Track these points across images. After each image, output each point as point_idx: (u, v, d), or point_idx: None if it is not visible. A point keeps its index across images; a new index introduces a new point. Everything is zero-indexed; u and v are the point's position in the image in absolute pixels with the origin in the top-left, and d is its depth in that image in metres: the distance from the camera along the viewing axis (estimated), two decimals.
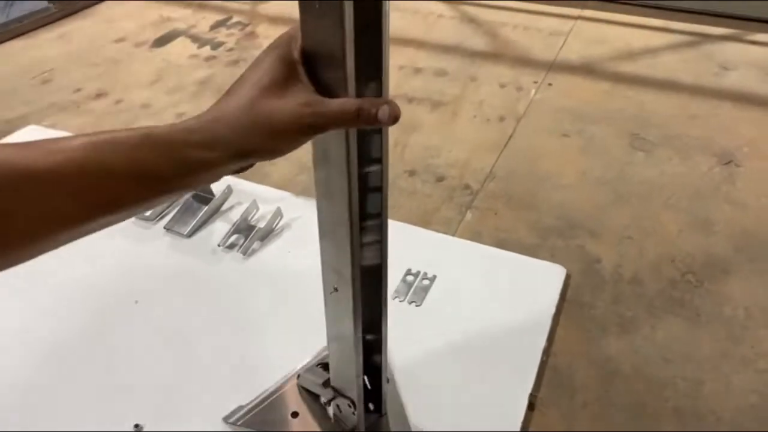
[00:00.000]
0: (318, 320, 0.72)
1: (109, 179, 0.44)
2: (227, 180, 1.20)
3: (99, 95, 1.61)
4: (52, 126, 1.45)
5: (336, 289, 0.66)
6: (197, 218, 1.13)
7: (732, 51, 1.83)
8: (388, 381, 0.79)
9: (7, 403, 0.83)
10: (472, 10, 2.12)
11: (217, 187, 1.18)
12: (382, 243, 0.66)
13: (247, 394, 0.83)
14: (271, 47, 0.51)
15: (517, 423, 0.81)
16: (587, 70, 1.74)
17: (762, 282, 1.05)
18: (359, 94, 0.50)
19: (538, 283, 1.03)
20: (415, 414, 0.81)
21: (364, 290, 0.67)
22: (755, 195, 1.26)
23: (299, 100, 0.47)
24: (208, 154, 0.46)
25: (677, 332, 0.96)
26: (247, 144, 0.47)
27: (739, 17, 1.99)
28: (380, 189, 0.62)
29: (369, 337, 0.73)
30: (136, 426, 0.80)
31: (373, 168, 0.61)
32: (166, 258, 1.08)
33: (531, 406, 0.85)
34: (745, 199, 1.25)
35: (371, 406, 0.79)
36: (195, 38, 1.92)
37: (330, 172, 0.57)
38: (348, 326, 0.68)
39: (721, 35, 1.92)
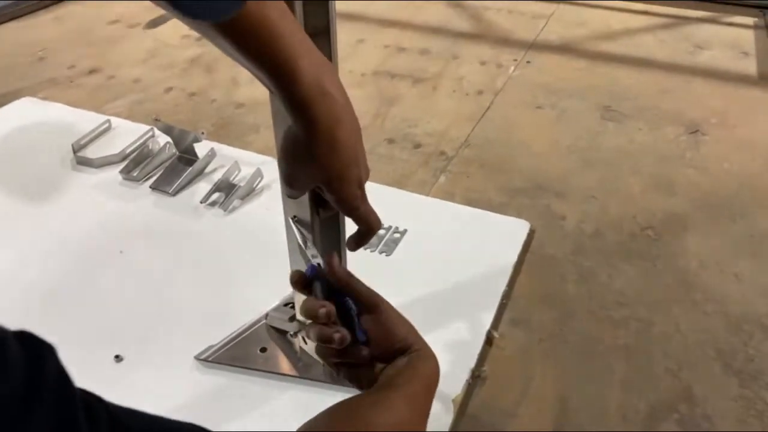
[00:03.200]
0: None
1: None
2: (211, 143, 1.26)
3: (92, 71, 1.66)
4: (45, 98, 1.51)
5: (295, 218, 0.71)
6: (182, 178, 1.19)
7: (708, 32, 1.89)
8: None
9: None
10: None
11: (202, 150, 1.23)
12: None
13: (219, 334, 0.88)
14: None
15: (474, 356, 0.86)
16: (566, 49, 1.79)
17: (718, 237, 1.10)
18: None
19: (502, 236, 1.08)
20: None
21: (324, 226, 0.72)
22: (717, 160, 1.31)
23: None
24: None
25: (633, 279, 1.02)
26: None
27: (717, 1, 2.04)
28: None
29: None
30: (117, 356, 0.86)
31: None
32: (150, 214, 1.13)
33: (489, 342, 0.90)
34: (707, 164, 1.30)
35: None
36: None
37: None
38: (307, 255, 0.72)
39: (699, 17, 1.98)
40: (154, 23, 1.95)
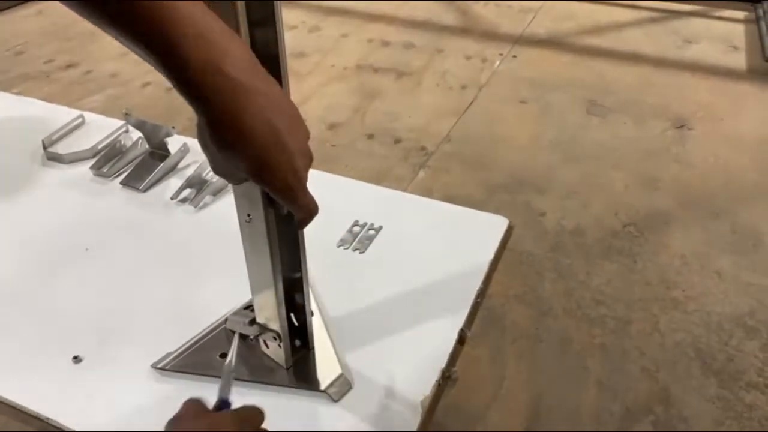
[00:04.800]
0: None
1: None
2: (184, 138, 1.23)
3: (69, 66, 1.63)
4: (20, 93, 1.48)
5: (249, 217, 0.68)
6: (153, 174, 1.16)
7: (697, 26, 1.86)
8: (312, 314, 0.81)
9: None
10: None
11: (174, 146, 1.20)
12: None
13: (182, 336, 0.85)
14: None
15: (445, 356, 0.84)
16: (553, 43, 1.76)
17: (701, 233, 1.08)
18: None
19: (479, 233, 1.05)
20: (343, 348, 0.84)
21: (281, 224, 0.69)
22: (703, 155, 1.28)
23: None
24: None
25: (612, 277, 0.99)
26: None
27: None
28: None
29: (291, 275, 0.75)
30: (75, 357, 0.83)
31: None
32: (119, 211, 1.10)
33: (462, 341, 0.87)
34: (692, 158, 1.27)
35: (298, 342, 0.81)
36: None
37: None
38: (265, 256, 0.70)
39: (688, 11, 1.95)
40: None
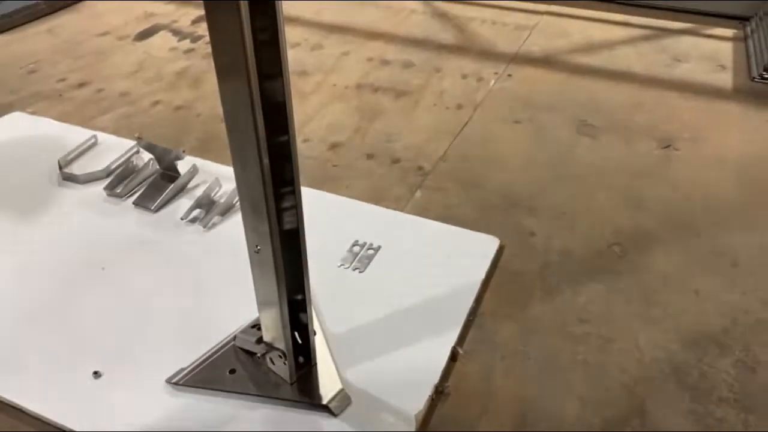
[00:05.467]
0: None
1: None
2: (193, 159, 1.29)
3: (81, 84, 1.70)
4: (35, 113, 1.55)
5: (258, 248, 0.75)
6: (164, 194, 1.22)
7: (687, 44, 1.92)
8: (315, 333, 0.88)
9: None
10: (443, 5, 2.21)
11: (184, 166, 1.27)
12: (297, 208, 0.74)
13: (194, 353, 0.92)
14: None
15: (438, 372, 0.90)
16: (547, 61, 1.83)
17: (683, 252, 1.14)
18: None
19: (472, 253, 1.11)
20: (343, 364, 0.90)
21: (286, 253, 0.75)
22: (688, 175, 1.34)
23: None
24: None
25: (596, 296, 1.05)
26: None
27: (697, 12, 2.07)
28: (290, 158, 0.70)
29: (295, 297, 0.81)
30: (95, 372, 0.89)
31: (282, 138, 0.69)
32: (132, 230, 1.17)
33: (453, 358, 0.94)
34: (678, 179, 1.34)
35: (302, 359, 0.88)
36: (176, 32, 2.01)
37: (242, 140, 0.66)
38: (272, 283, 0.76)
39: (678, 29, 2.01)
40: (142, 35, 1.99)
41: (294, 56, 1.84)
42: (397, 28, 2.03)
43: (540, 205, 1.26)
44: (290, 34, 1.98)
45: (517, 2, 2.20)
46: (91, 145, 1.40)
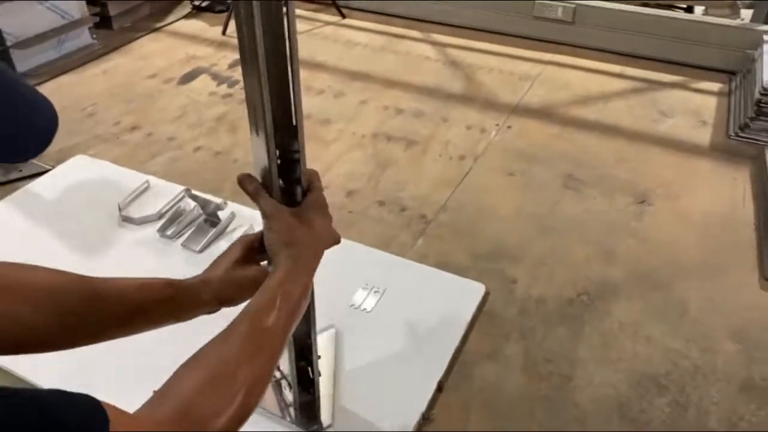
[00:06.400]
0: None
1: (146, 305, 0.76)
2: (232, 206, 1.53)
3: (133, 128, 1.95)
4: (95, 156, 1.80)
5: None
6: (207, 237, 1.46)
7: (675, 98, 2.11)
8: (320, 374, 1.10)
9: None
10: (455, 53, 2.43)
11: (223, 213, 1.51)
12: None
13: None
14: (237, 242, 0.84)
15: (425, 401, 1.12)
16: (544, 113, 2.03)
17: (640, 303, 1.34)
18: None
19: (461, 298, 1.33)
20: (341, 394, 1.13)
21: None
22: (656, 231, 1.54)
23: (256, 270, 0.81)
24: (203, 297, 0.79)
25: (563, 340, 1.26)
26: (225, 294, 0.79)
27: (689, 65, 2.25)
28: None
29: (304, 341, 1.03)
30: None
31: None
32: (180, 269, 1.39)
33: (440, 389, 1.15)
34: (647, 234, 1.53)
35: (310, 390, 1.10)
36: (215, 76, 2.26)
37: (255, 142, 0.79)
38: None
39: (669, 82, 2.19)
40: (185, 78, 2.24)
41: (319, 104, 2.08)
42: (411, 76, 2.25)
43: (524, 255, 1.47)
44: (316, 80, 2.22)
45: (525, 50, 2.41)
46: (145, 189, 1.64)
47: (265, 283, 0.72)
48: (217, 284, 0.80)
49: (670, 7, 2.60)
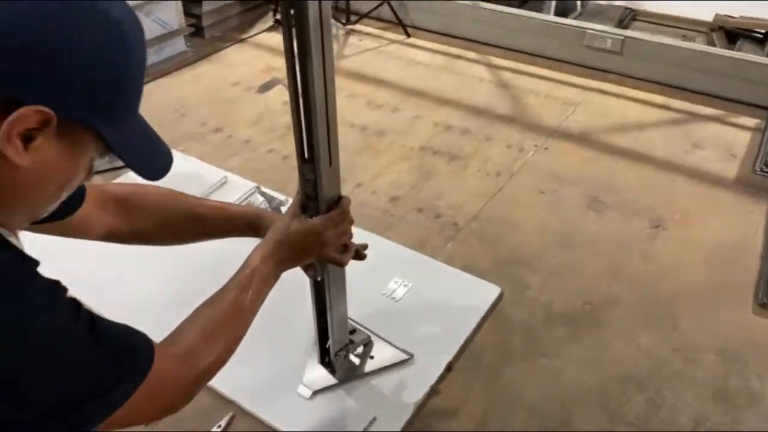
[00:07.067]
0: None
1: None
2: None
3: (216, 130, 2.27)
4: (184, 151, 2.12)
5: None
6: None
7: (710, 131, 2.23)
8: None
9: None
10: (507, 75, 2.63)
11: (285, 208, 1.78)
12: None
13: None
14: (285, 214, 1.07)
15: (435, 377, 1.35)
16: (581, 138, 2.20)
17: (639, 314, 1.52)
18: None
19: (478, 296, 1.55)
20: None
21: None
22: (665, 254, 1.70)
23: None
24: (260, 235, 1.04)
25: (561, 339, 1.46)
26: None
27: (730, 99, 2.36)
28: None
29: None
30: None
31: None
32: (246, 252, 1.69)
33: (449, 369, 1.38)
34: (656, 256, 1.70)
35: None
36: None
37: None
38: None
39: (707, 115, 2.32)
40: (264, 88, 2.55)
41: (377, 117, 2.33)
42: (464, 95, 2.47)
43: (540, 265, 1.67)
44: (377, 96, 2.48)
45: (573, 77, 2.58)
46: (222, 183, 1.95)
47: (249, 256, 0.96)
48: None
49: (748, 32, 2.74)
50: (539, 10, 3.05)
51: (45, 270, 0.65)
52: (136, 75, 0.69)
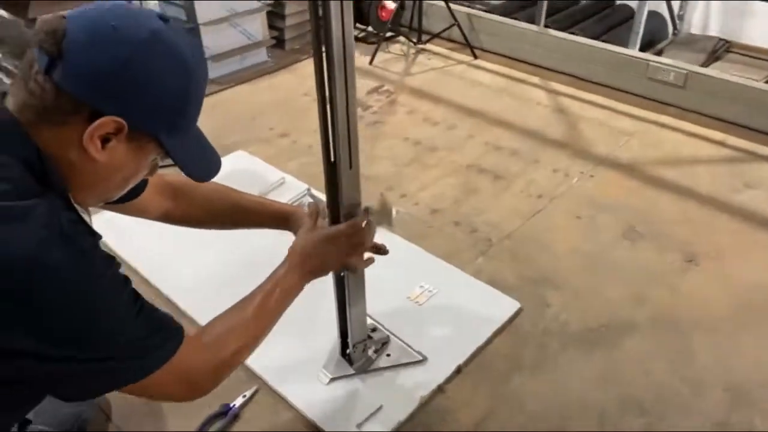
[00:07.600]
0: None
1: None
2: None
3: (283, 135, 2.47)
4: (252, 153, 2.34)
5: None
6: None
7: (764, 172, 2.20)
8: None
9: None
10: (566, 101, 2.68)
11: None
12: None
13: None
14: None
15: (444, 376, 1.46)
16: (629, 168, 2.24)
17: (653, 343, 1.56)
18: None
19: (497, 309, 1.64)
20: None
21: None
22: (693, 288, 1.72)
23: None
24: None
25: (572, 358, 1.52)
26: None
27: None
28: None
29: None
30: None
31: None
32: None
33: (458, 371, 1.48)
34: (683, 289, 1.72)
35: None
36: None
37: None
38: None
39: (765, 155, 2.28)
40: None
41: (431, 133, 2.46)
42: (519, 118, 2.55)
43: (564, 285, 1.73)
44: (435, 113, 2.61)
45: (631, 107, 2.60)
46: (280, 184, 2.13)
47: (276, 269, 1.13)
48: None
49: None
50: (626, 38, 3.05)
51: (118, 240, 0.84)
52: (194, 100, 0.89)
